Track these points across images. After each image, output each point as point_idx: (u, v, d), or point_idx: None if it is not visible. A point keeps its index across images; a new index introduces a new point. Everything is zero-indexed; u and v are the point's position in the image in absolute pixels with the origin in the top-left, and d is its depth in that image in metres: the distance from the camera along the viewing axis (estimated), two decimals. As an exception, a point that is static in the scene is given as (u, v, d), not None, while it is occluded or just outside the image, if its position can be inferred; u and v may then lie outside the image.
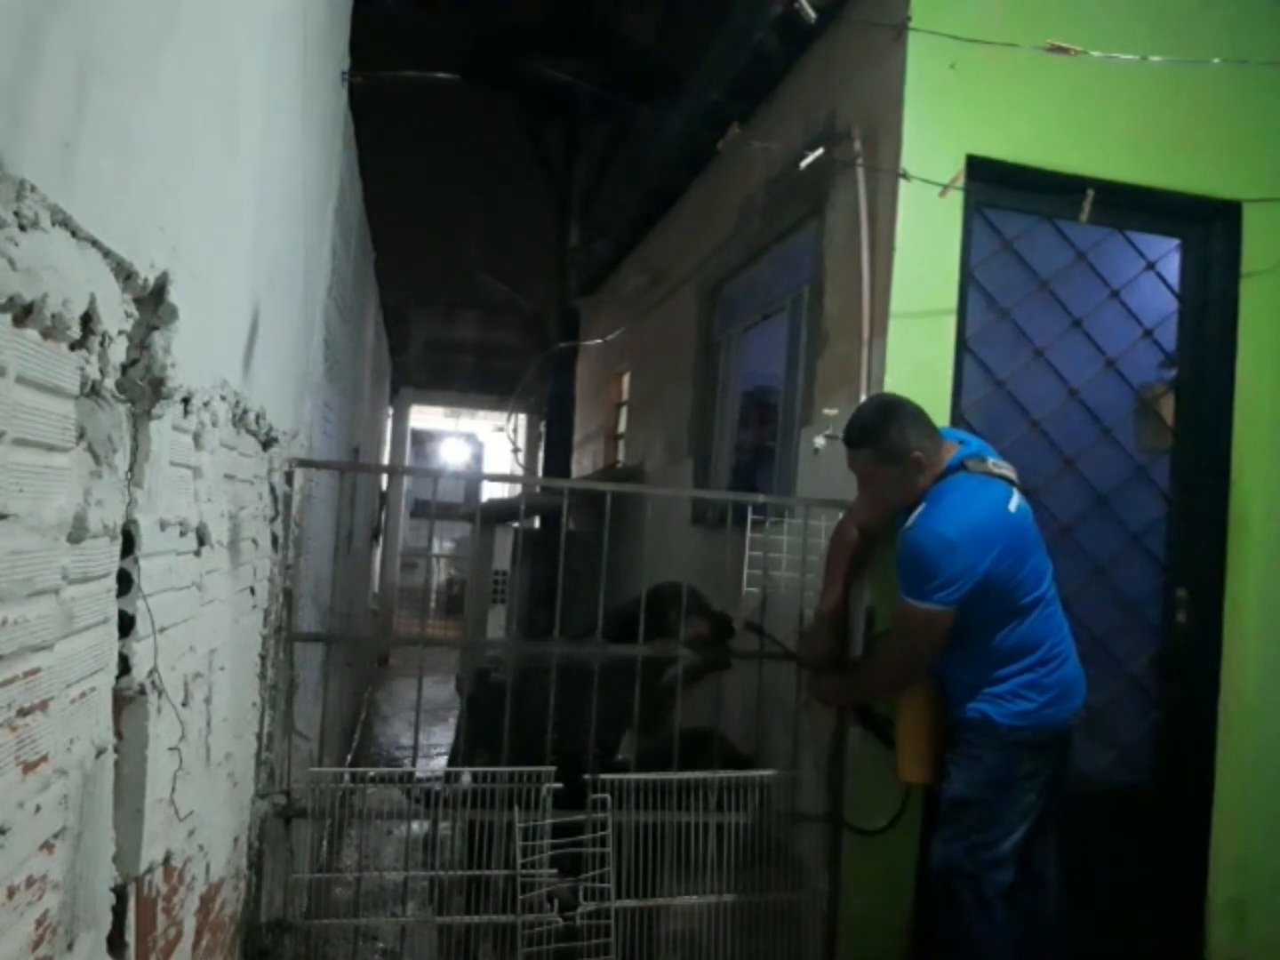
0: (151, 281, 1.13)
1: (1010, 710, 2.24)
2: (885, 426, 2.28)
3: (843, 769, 2.63)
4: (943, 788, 2.32)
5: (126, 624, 1.18)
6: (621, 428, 6.58)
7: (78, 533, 0.99)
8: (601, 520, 2.65)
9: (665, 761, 2.55)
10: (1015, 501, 2.25)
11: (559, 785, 2.42)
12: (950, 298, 2.67)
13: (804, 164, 2.84)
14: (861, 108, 2.89)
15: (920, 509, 2.24)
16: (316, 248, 2.79)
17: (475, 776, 2.46)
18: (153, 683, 1.26)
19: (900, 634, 2.31)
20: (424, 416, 12.93)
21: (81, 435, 1.00)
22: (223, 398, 1.58)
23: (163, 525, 1.28)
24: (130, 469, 1.15)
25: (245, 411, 1.78)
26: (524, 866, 2.33)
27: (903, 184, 2.59)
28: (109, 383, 1.04)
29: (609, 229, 6.36)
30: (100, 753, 1.11)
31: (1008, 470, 2.31)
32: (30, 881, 0.92)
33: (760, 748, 2.74)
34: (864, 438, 2.32)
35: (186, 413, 1.37)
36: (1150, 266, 2.93)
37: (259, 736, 2.26)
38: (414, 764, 2.56)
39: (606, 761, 2.70)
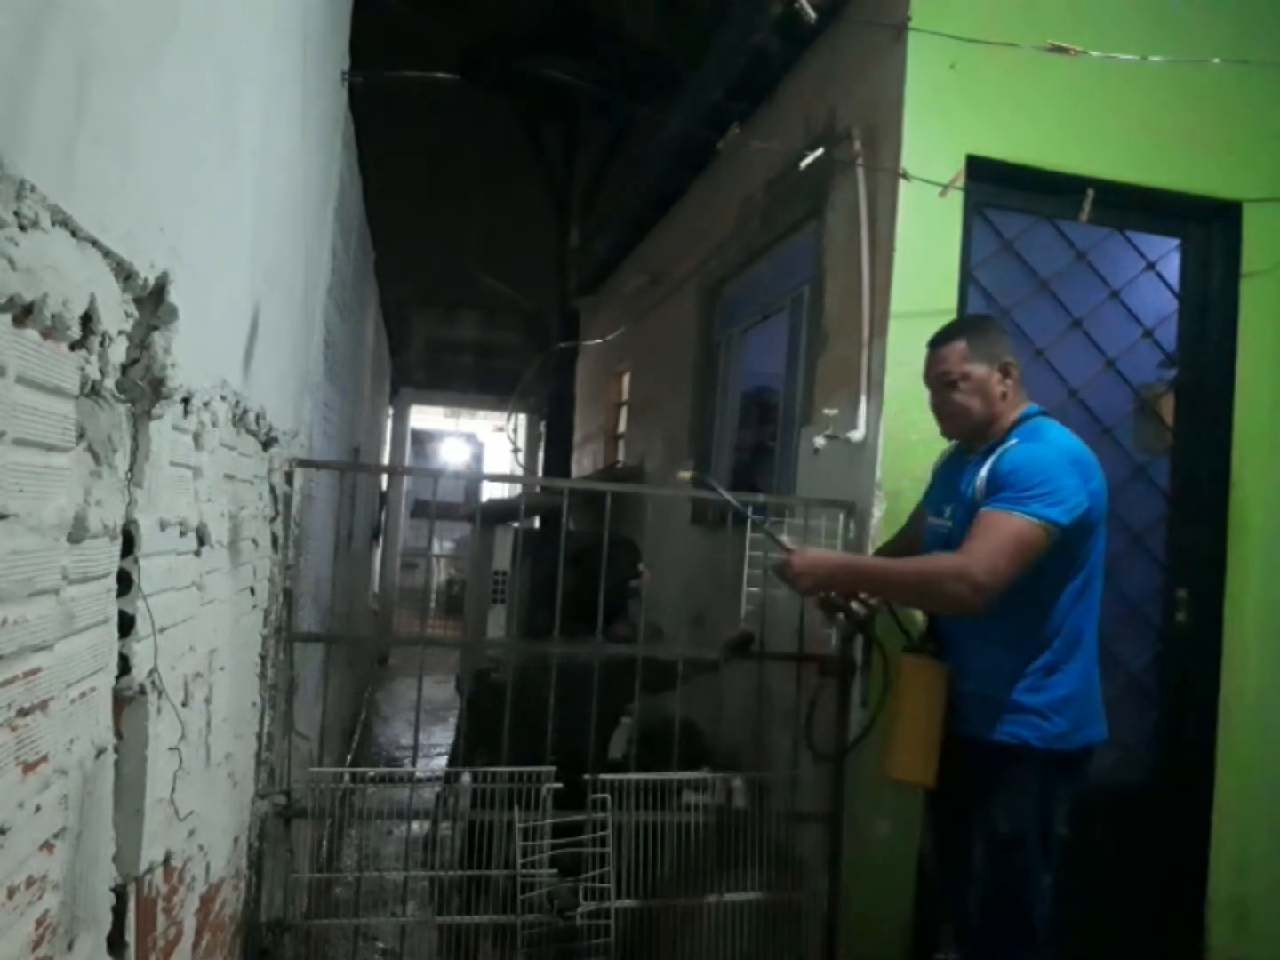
0: (151, 281, 1.13)
1: (1052, 733, 1.98)
2: (985, 324, 2.20)
3: (843, 769, 2.64)
4: (982, 823, 2.04)
5: (126, 624, 1.18)
6: (621, 428, 6.58)
7: (78, 533, 0.99)
8: (601, 520, 2.65)
9: (663, 748, 2.55)
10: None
11: (559, 785, 2.42)
12: (950, 298, 2.67)
13: (804, 164, 2.84)
14: (861, 108, 2.89)
15: (1011, 440, 2.04)
16: (316, 248, 2.79)
17: (475, 776, 2.46)
18: (153, 683, 1.26)
19: (982, 540, 1.90)
20: (424, 416, 12.93)
21: (81, 435, 1.00)
22: (223, 398, 1.58)
23: (163, 525, 1.28)
24: (130, 469, 1.15)
25: (245, 411, 1.78)
26: (524, 866, 2.33)
27: (903, 184, 2.59)
28: (109, 383, 1.04)
29: (609, 229, 6.36)
30: (100, 753, 1.11)
31: None
32: (30, 881, 0.92)
33: (760, 748, 2.74)
34: (960, 330, 2.18)
35: (186, 413, 1.37)
36: (1150, 266, 2.93)
37: (259, 736, 2.26)
38: (414, 764, 2.56)
39: (600, 759, 2.70)
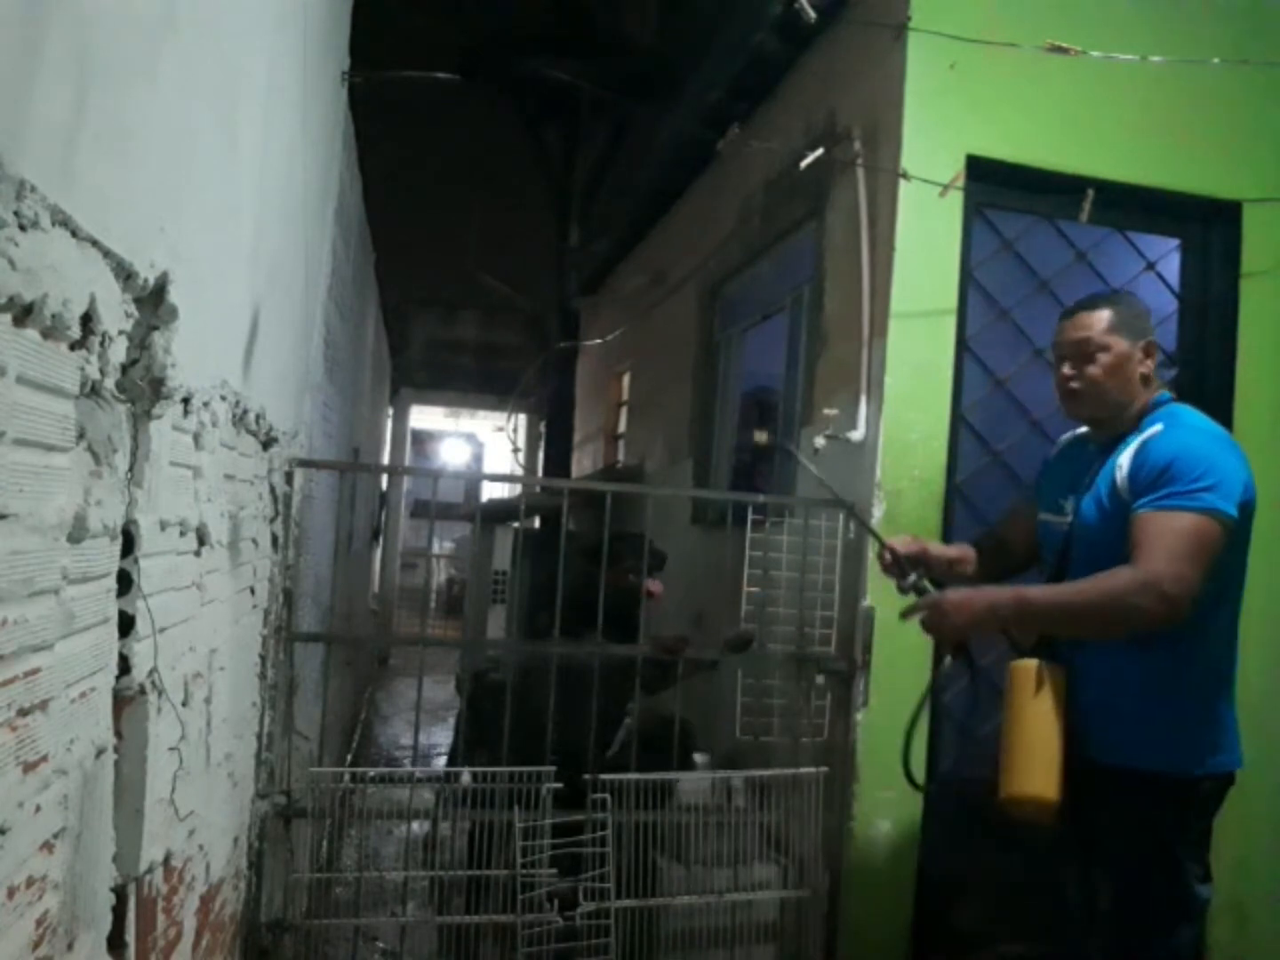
0: (151, 281, 1.13)
1: (1163, 756, 1.77)
2: (1133, 299, 2.01)
3: (843, 768, 2.63)
4: (1107, 856, 1.84)
5: (126, 624, 1.18)
6: (621, 428, 6.58)
7: (78, 533, 0.99)
8: (601, 520, 2.65)
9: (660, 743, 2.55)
10: None
11: (559, 785, 2.42)
12: (950, 298, 2.67)
13: (804, 164, 2.84)
14: (861, 108, 2.89)
15: (1155, 426, 1.84)
16: (316, 248, 2.79)
17: (475, 776, 2.46)
18: (153, 683, 1.26)
19: (1158, 545, 1.67)
20: (424, 416, 12.92)
21: (81, 435, 1.00)
22: (223, 398, 1.58)
23: (163, 525, 1.28)
24: (130, 469, 1.15)
25: (245, 411, 1.78)
26: (524, 866, 2.33)
27: (903, 184, 2.59)
28: (109, 383, 1.04)
29: (609, 229, 6.36)
30: (100, 753, 1.11)
31: None
32: (30, 881, 0.92)
33: (759, 747, 2.74)
34: (1107, 298, 1.97)
35: (186, 413, 1.37)
36: (1150, 266, 2.93)
37: (259, 736, 2.26)
38: (414, 764, 2.56)
39: (601, 757, 2.70)
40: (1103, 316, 1.90)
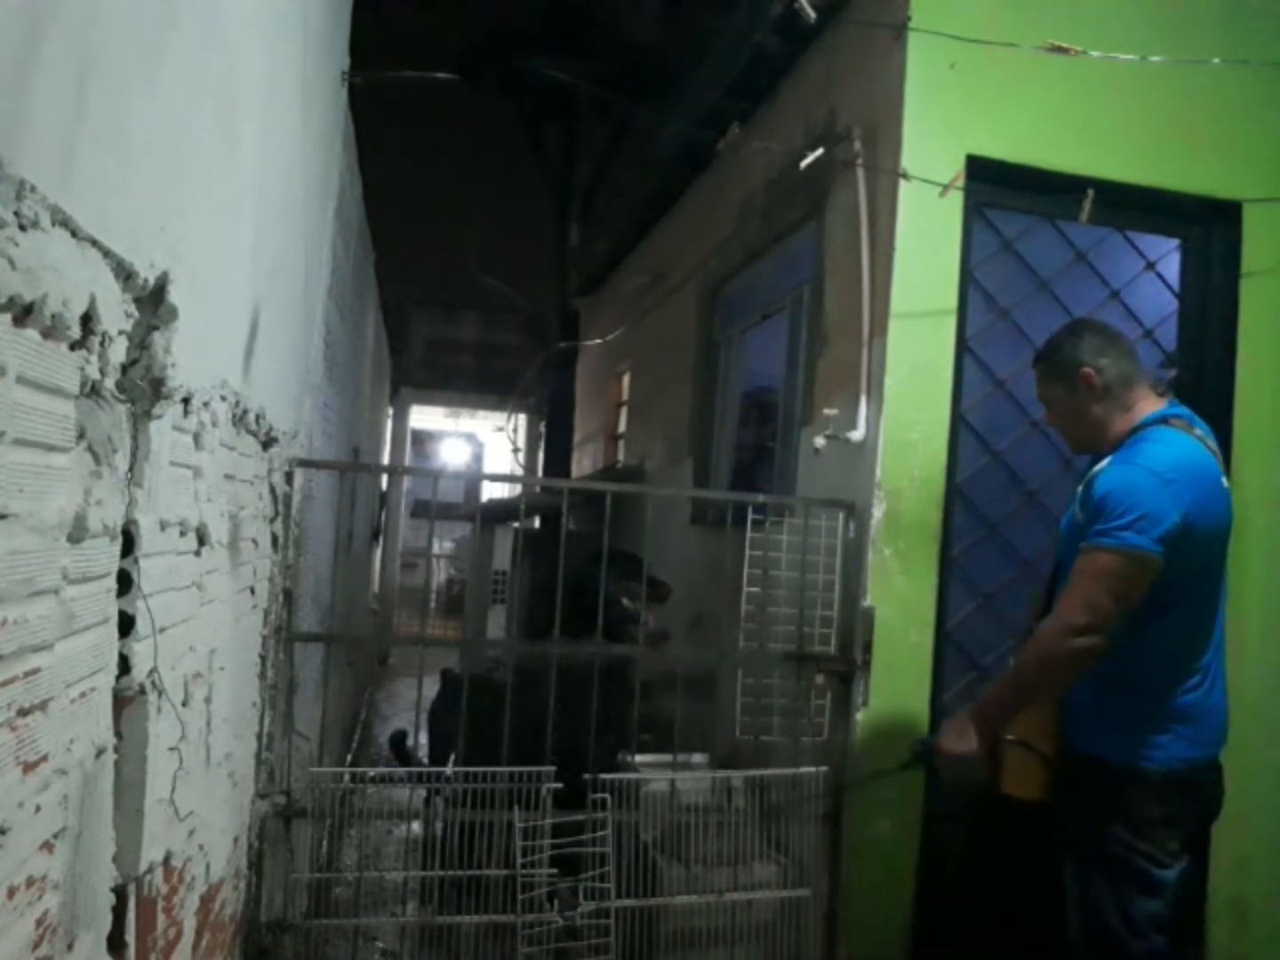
0: (151, 281, 1.13)
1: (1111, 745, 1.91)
2: (1061, 340, 2.07)
3: (844, 767, 2.63)
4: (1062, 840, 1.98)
5: (126, 624, 1.18)
6: (621, 428, 6.59)
7: (78, 533, 0.99)
8: (601, 520, 2.65)
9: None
10: (1224, 482, 1.95)
11: (558, 785, 2.42)
12: (950, 298, 2.67)
13: (804, 164, 2.84)
14: (861, 108, 2.89)
15: (1104, 461, 1.95)
16: (316, 248, 2.79)
17: (474, 776, 2.45)
18: (153, 683, 1.26)
19: (1076, 582, 1.85)
20: (424, 416, 12.92)
21: (81, 435, 1.00)
22: (223, 398, 1.58)
23: (163, 525, 1.28)
24: (130, 469, 1.15)
25: (245, 411, 1.78)
26: (524, 866, 2.33)
27: (902, 184, 2.59)
28: (109, 383, 1.04)
29: (609, 229, 6.36)
30: (100, 753, 1.11)
31: (1216, 451, 1.98)
32: (30, 881, 0.92)
33: (759, 747, 2.74)
34: (1041, 351, 2.12)
35: (186, 413, 1.37)
36: (1150, 266, 2.93)
37: (259, 736, 2.26)
38: (414, 764, 2.56)
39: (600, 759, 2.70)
40: (1039, 373, 2.12)
